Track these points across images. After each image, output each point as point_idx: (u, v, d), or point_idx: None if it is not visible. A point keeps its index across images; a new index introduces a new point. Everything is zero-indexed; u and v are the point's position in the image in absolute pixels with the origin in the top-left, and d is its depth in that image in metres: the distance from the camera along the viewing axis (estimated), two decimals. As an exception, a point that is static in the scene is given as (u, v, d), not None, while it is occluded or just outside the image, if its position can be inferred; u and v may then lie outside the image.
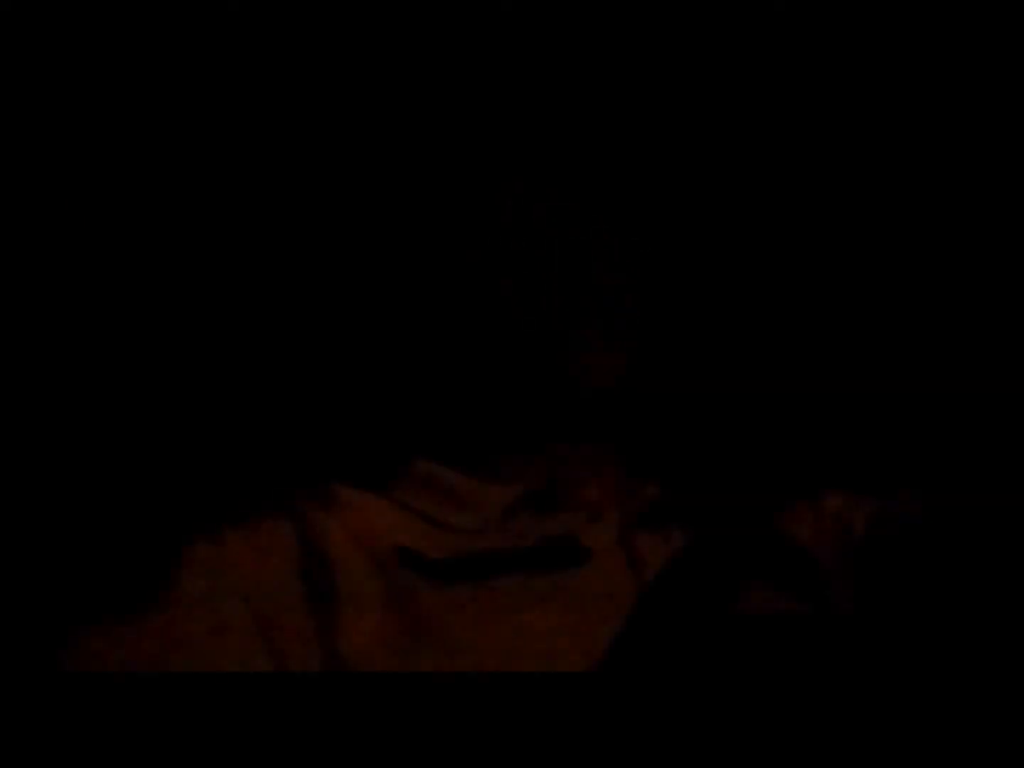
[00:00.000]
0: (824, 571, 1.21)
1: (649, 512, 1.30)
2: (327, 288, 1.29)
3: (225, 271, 1.28)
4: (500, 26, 1.28)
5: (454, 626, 1.11)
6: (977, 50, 1.32)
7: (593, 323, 1.34)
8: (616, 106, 1.31)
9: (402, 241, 1.30)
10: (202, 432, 1.23)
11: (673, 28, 1.30)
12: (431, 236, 1.30)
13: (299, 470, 1.23)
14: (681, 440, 1.37)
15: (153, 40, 1.30)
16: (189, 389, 1.25)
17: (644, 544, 1.25)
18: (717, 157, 1.32)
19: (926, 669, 1.09)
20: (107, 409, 1.23)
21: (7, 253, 1.27)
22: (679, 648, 1.09)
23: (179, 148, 1.30)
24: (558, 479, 1.32)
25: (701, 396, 1.33)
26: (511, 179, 1.29)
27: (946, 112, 1.31)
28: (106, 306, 1.26)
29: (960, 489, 1.23)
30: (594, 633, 1.10)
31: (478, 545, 1.20)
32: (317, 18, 1.30)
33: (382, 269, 1.30)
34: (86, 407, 1.23)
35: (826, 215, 1.33)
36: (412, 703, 1.02)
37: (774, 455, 1.35)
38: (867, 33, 1.30)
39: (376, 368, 1.30)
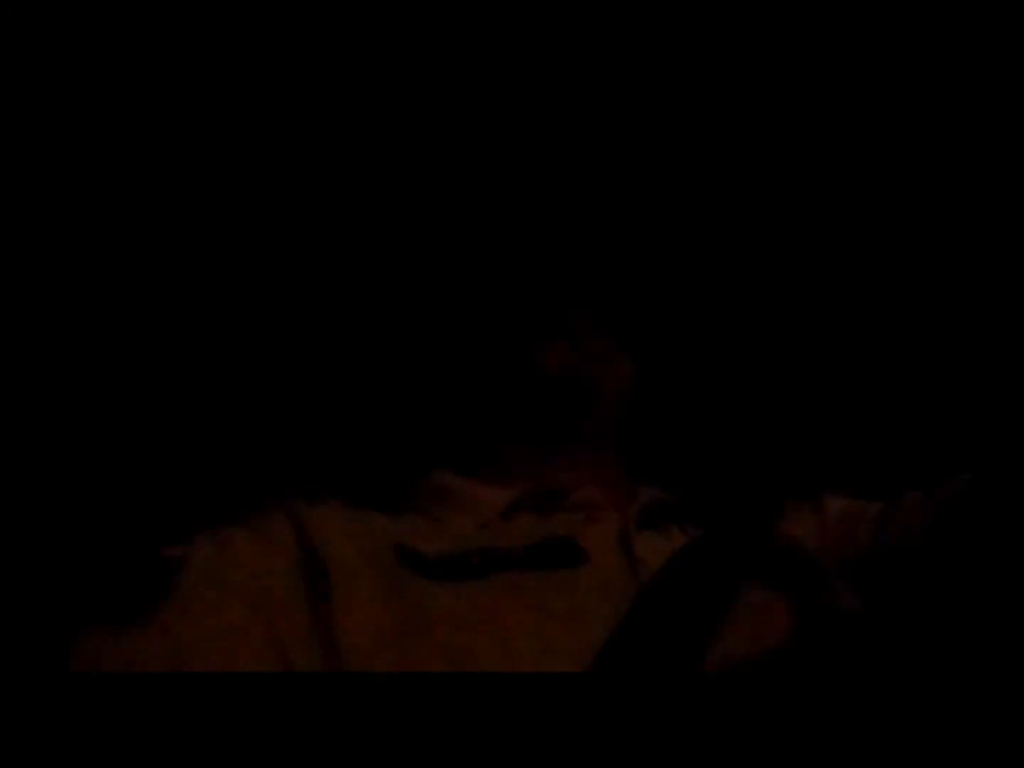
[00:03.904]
0: (823, 571, 1.21)
1: (649, 512, 1.30)
2: (326, 291, 1.29)
3: (228, 276, 1.28)
4: (501, 30, 1.29)
5: (453, 626, 1.11)
6: (976, 51, 1.32)
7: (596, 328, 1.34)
8: (616, 108, 1.31)
9: (405, 244, 1.30)
10: (205, 434, 1.24)
11: (671, 33, 1.31)
12: (432, 239, 1.30)
13: (300, 471, 1.23)
14: (682, 441, 1.37)
15: (153, 40, 1.30)
16: (192, 392, 1.25)
17: (644, 544, 1.25)
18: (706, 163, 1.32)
19: (932, 673, 1.09)
20: (111, 412, 1.24)
21: (8, 253, 1.27)
22: (678, 648, 1.09)
23: (179, 148, 1.30)
24: (557, 480, 1.33)
25: (702, 398, 1.34)
26: (508, 182, 1.29)
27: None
28: (110, 310, 1.27)
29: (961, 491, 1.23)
30: (592, 633, 1.10)
31: (477, 545, 1.20)
32: (318, 20, 1.31)
33: (384, 273, 1.30)
34: (90, 411, 1.24)
35: (825, 223, 1.33)
36: (412, 703, 1.02)
37: (776, 456, 1.35)
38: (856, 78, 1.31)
39: (376, 371, 1.30)
